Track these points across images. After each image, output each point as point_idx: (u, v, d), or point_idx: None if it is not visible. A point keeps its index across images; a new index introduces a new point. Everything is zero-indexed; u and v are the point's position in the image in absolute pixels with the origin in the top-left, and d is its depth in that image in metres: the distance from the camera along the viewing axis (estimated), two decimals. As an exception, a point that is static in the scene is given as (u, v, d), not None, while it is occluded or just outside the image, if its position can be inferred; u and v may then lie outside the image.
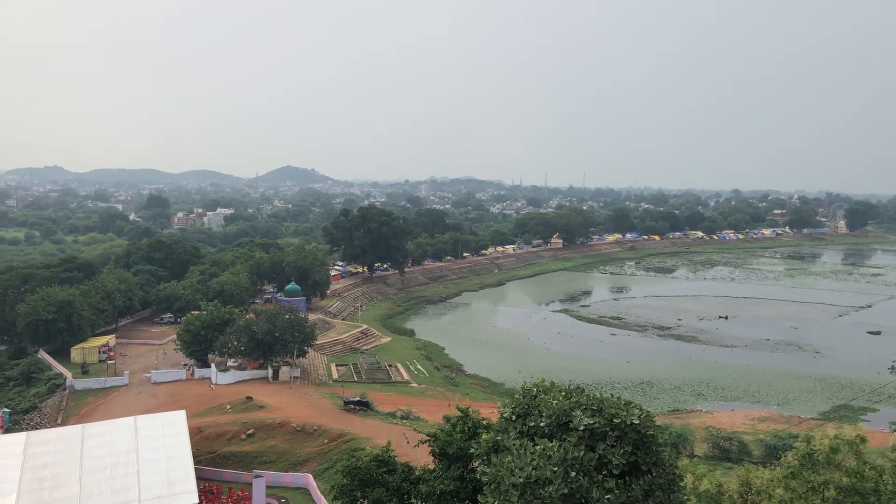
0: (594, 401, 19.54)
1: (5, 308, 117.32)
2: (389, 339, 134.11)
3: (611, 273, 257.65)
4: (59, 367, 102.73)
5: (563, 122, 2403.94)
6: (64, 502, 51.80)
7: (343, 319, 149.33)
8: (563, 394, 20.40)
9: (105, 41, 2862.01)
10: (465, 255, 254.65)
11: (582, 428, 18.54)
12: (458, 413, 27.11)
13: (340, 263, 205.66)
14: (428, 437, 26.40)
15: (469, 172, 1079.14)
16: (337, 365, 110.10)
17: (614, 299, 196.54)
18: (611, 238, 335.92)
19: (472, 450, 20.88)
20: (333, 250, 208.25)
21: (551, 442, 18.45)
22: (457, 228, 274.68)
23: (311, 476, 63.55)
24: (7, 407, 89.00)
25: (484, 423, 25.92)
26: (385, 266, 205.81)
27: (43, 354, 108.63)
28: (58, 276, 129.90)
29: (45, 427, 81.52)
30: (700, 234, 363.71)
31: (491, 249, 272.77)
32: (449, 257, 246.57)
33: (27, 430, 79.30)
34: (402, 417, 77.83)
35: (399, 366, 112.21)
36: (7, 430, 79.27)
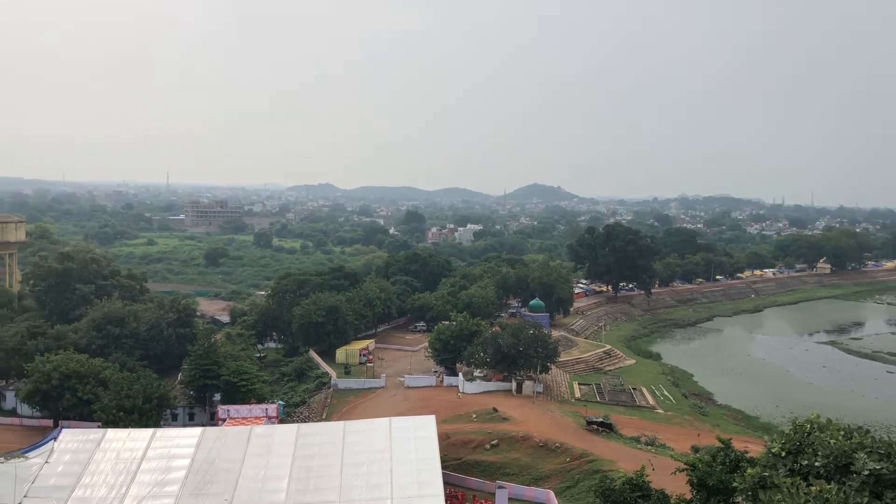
0: (882, 444, 17.43)
1: (283, 310, 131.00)
2: (634, 361, 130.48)
3: (888, 304, 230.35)
4: (325, 367, 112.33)
5: (835, 132, 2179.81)
6: (327, 491, 56.42)
7: (586, 338, 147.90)
8: (843, 433, 18.46)
9: (376, 81, 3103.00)
10: (717, 277, 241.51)
11: (866, 472, 16.61)
12: (717, 444, 25.60)
13: (584, 281, 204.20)
14: (686, 466, 25.20)
15: (723, 190, 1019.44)
16: (579, 383, 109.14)
17: (892, 333, 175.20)
18: (889, 264, 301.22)
19: (735, 484, 19.56)
20: (578, 268, 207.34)
21: (829, 484, 16.74)
22: (709, 249, 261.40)
23: (552, 493, 63.37)
24: (282, 400, 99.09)
25: (747, 456, 24.22)
26: (630, 286, 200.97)
27: (312, 354, 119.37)
28: (327, 283, 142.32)
29: (312, 420, 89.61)
30: None
31: (747, 273, 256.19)
32: (700, 279, 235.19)
33: (297, 422, 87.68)
34: (647, 443, 75.16)
35: (644, 390, 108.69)
36: (281, 421, 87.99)
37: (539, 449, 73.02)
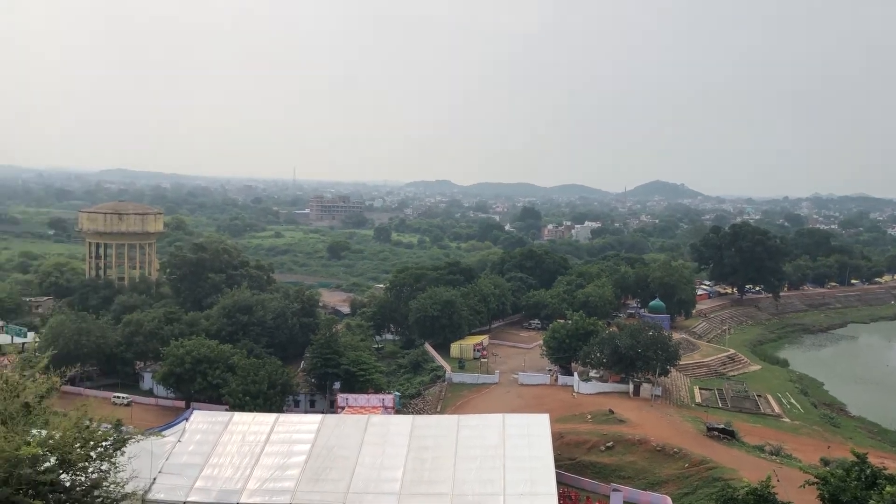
0: None
1: (400, 303, 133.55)
2: (759, 367, 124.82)
3: None
4: (440, 360, 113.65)
5: None
6: (440, 483, 57.05)
7: (708, 341, 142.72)
8: None
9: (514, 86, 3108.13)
10: (853, 281, 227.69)
11: None
12: (851, 458, 24.06)
13: (707, 283, 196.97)
14: (816, 480, 23.83)
15: (861, 189, 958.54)
16: (700, 388, 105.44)
17: None
18: None
19: (872, 502, 18.32)
20: (701, 269, 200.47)
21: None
22: (844, 251, 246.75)
23: (669, 499, 61.60)
24: (398, 391, 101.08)
25: (885, 473, 22.63)
26: (757, 288, 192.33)
27: (428, 347, 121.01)
28: (443, 277, 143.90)
29: (427, 413, 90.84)
30: None
31: (887, 277, 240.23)
32: (833, 283, 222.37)
33: (412, 413, 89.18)
34: (772, 453, 71.73)
35: (769, 397, 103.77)
36: (397, 412, 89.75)
37: (656, 453, 71.15)
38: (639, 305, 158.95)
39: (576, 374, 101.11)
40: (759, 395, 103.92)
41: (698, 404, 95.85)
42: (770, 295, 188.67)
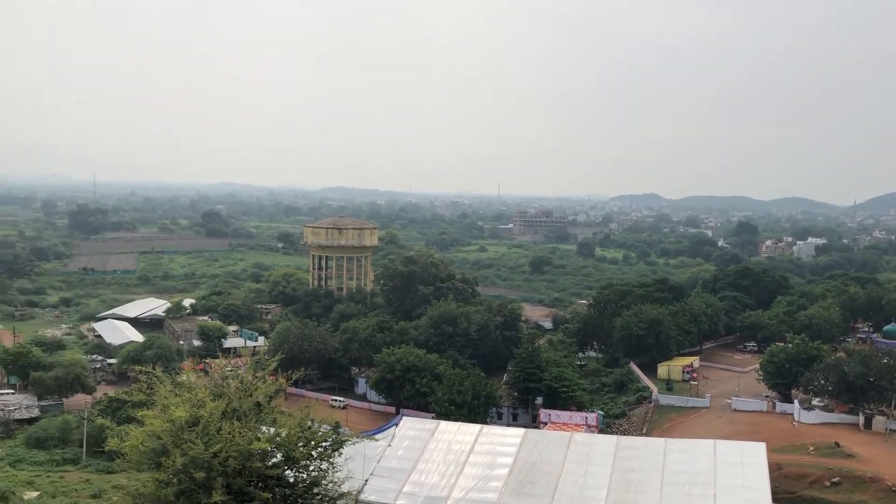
0: None
1: (604, 321, 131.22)
2: None
3: None
4: (646, 381, 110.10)
5: None
6: (645, 508, 55.26)
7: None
8: None
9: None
10: None
11: None
12: None
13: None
14: None
15: None
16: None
17: None
18: None
19: None
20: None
21: None
22: None
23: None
24: (601, 410, 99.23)
25: None
26: None
27: (633, 367, 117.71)
28: (650, 295, 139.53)
29: (632, 434, 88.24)
30: None
31: None
32: None
33: (616, 434, 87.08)
34: None
35: None
36: (601, 431, 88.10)
37: (891, 493, 64.60)
38: (870, 330, 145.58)
39: (796, 401, 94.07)
40: None
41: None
42: None
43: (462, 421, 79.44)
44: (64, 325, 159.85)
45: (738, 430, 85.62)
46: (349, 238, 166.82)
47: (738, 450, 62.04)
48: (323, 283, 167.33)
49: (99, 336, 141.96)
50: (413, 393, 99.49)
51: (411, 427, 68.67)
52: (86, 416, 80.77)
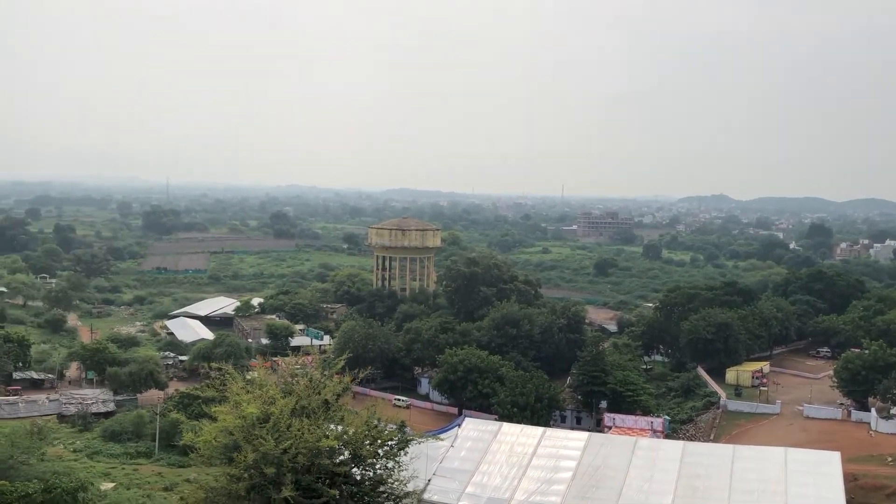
0: None
1: (671, 324, 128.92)
2: None
3: None
4: (714, 386, 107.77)
5: None
6: (713, 515, 54.18)
7: None
8: None
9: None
10: None
11: None
12: None
13: None
14: None
15: None
16: None
17: None
18: None
19: None
20: None
21: None
22: None
23: None
24: (668, 415, 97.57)
25: None
26: None
27: (700, 371, 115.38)
28: (718, 298, 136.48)
29: (699, 440, 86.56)
30: None
31: None
32: None
33: (683, 439, 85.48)
34: None
35: None
36: (667, 436, 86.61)
37: (975, 509, 61.47)
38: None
39: (874, 410, 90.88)
40: None
41: None
42: None
43: (525, 423, 79.30)
44: (138, 323, 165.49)
45: (810, 438, 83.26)
46: (412, 239, 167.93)
47: (812, 458, 60.45)
48: (386, 283, 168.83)
49: (171, 333, 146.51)
50: (475, 394, 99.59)
51: (474, 428, 68.89)
52: (158, 412, 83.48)
